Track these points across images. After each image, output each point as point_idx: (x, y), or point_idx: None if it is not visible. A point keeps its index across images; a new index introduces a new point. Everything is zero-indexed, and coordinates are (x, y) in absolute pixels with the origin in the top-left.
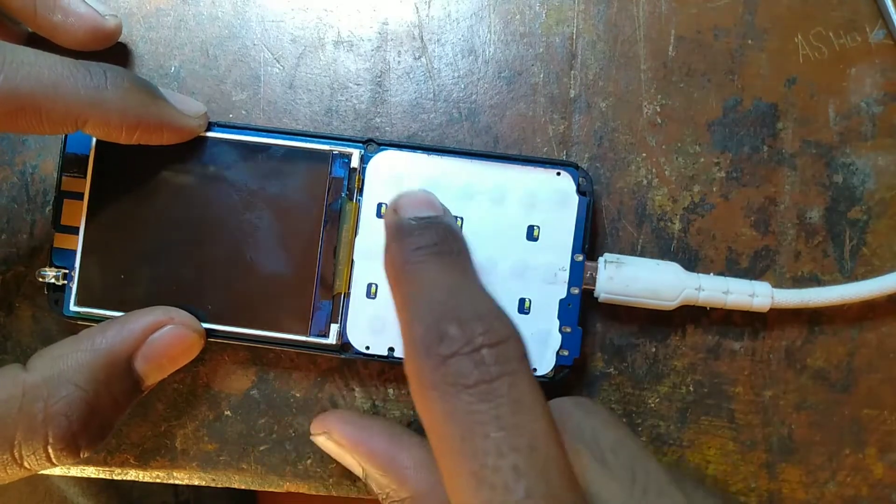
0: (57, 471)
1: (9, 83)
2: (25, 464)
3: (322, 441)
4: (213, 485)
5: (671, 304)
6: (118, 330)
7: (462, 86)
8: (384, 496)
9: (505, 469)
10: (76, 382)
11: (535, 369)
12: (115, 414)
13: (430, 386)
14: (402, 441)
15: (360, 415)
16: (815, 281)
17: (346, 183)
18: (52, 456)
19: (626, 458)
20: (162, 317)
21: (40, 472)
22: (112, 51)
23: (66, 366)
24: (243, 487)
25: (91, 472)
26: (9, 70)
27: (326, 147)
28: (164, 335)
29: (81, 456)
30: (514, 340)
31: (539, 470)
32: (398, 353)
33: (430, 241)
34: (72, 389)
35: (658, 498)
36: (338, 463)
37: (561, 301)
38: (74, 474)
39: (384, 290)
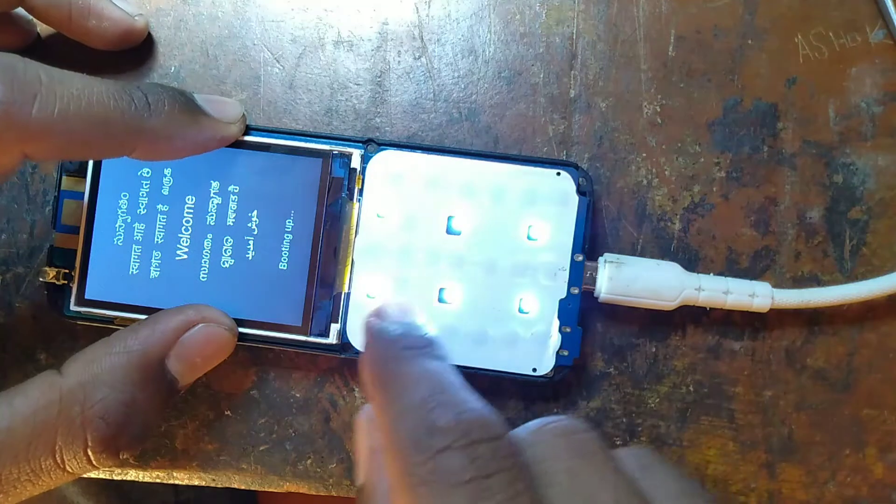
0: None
1: (63, 119)
2: (68, 468)
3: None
4: (213, 485)
5: (671, 304)
6: (150, 331)
7: (462, 86)
8: None
9: None
10: (111, 385)
11: (534, 369)
12: (153, 415)
13: (419, 482)
14: None
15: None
16: (815, 281)
17: (346, 183)
18: (92, 459)
19: None
20: (193, 316)
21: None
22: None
23: (100, 369)
24: (243, 487)
25: (91, 472)
26: (62, 105)
27: (326, 147)
28: (196, 334)
29: (121, 458)
30: (508, 440)
31: None
32: None
33: (418, 344)
34: (107, 392)
35: None
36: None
37: (561, 301)
38: None
39: (384, 290)
